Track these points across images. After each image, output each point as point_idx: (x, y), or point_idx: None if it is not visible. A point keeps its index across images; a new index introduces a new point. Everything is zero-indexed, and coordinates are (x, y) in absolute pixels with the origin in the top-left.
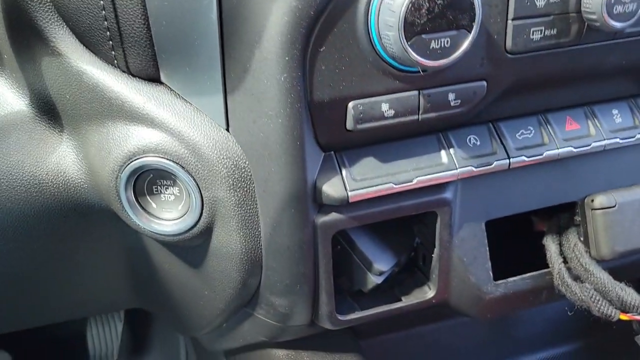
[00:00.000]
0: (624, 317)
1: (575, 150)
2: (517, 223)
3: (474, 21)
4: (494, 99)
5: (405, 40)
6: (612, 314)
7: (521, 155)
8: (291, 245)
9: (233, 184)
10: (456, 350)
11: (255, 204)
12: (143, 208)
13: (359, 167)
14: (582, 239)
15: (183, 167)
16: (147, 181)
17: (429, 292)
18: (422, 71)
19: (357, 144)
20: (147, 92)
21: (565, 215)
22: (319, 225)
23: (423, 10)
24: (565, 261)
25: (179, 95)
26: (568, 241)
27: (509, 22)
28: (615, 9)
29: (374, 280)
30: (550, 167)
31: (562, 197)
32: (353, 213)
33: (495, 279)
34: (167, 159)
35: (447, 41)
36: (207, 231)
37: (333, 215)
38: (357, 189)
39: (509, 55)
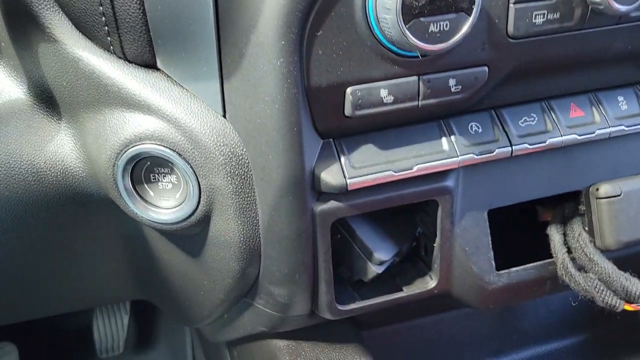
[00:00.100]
0: (628, 307)
1: (579, 137)
2: (521, 213)
3: (473, 4)
4: (495, 85)
5: (403, 24)
6: (617, 304)
7: (524, 143)
8: (290, 233)
9: (230, 172)
10: (459, 342)
11: (253, 192)
12: (140, 196)
13: (358, 154)
14: (586, 228)
15: (180, 155)
16: (144, 169)
17: (430, 282)
18: (422, 56)
19: (356, 131)
20: (144, 79)
21: (569, 205)
22: (318, 214)
23: None
24: (569, 251)
25: (175, 81)
26: (572, 231)
27: (511, 5)
28: None
29: (374, 269)
30: (554, 155)
31: (566, 186)
32: (352, 201)
33: (499, 269)
34: (164, 146)
35: (447, 24)
36: (205, 219)
37: (332, 203)
38: (356, 177)
39: (511, 40)
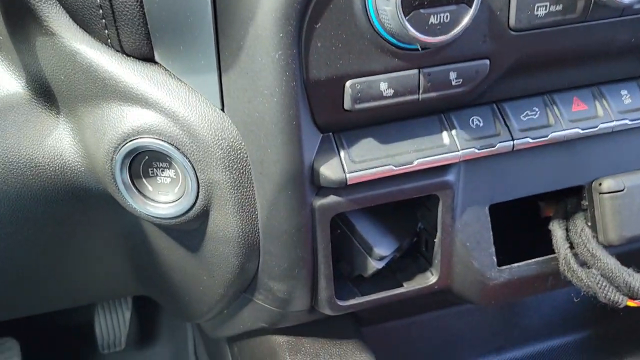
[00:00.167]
0: (631, 303)
1: (582, 131)
2: (524, 209)
3: None
4: (497, 79)
5: (402, 15)
6: (619, 301)
7: (526, 137)
8: (289, 228)
9: (229, 166)
10: (460, 338)
11: (252, 187)
12: (139, 190)
13: (357, 148)
14: (589, 224)
15: (178, 149)
16: (142, 163)
17: (431, 278)
18: (422, 48)
19: (356, 125)
20: (141, 72)
21: (572, 200)
22: (317, 208)
23: None
24: (571, 247)
25: (173, 74)
26: (575, 226)
27: None
28: None
29: (374, 265)
30: (556, 149)
31: (568, 181)
32: (352, 196)
33: (501, 265)
34: (162, 140)
35: (447, 16)
36: (204, 214)
37: (331, 198)
38: (356, 171)
39: (513, 33)
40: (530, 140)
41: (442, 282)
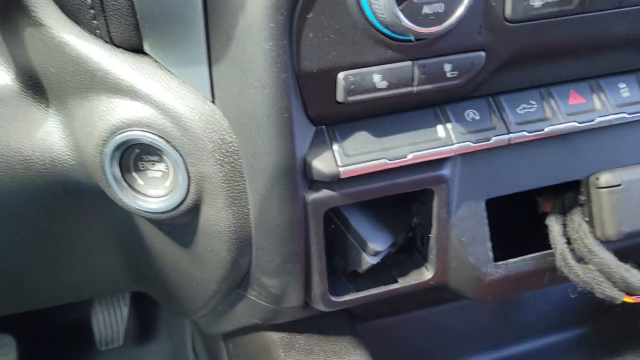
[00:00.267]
0: (628, 299)
1: (579, 125)
2: (521, 204)
3: None
4: (493, 71)
5: (395, 5)
6: (616, 296)
7: (522, 131)
8: (281, 223)
9: (220, 159)
10: (456, 335)
11: (243, 180)
12: (129, 185)
13: (351, 141)
14: (586, 219)
15: (168, 142)
16: (133, 157)
17: (426, 274)
18: (416, 39)
19: (350, 118)
20: (131, 63)
21: (569, 195)
22: (310, 203)
23: None
24: (568, 242)
25: (163, 66)
26: (572, 221)
27: None
28: None
29: (368, 260)
30: (553, 143)
31: (565, 175)
32: (345, 190)
33: (498, 260)
34: (152, 133)
35: (441, 6)
36: (195, 208)
37: (324, 192)
38: (349, 165)
39: (509, 24)
40: (527, 134)
41: (438, 277)
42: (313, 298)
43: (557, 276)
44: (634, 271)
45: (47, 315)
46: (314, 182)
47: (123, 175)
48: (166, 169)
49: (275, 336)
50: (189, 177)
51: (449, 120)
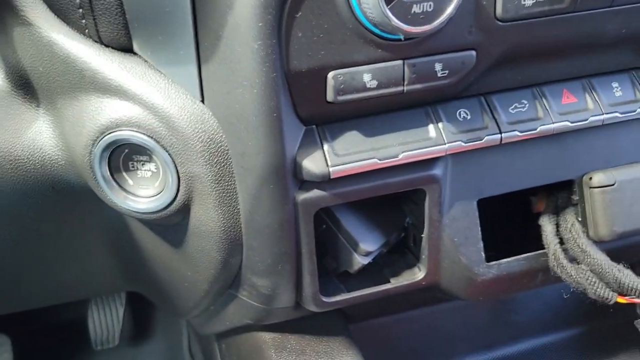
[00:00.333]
0: (621, 300)
1: (571, 124)
2: (514, 204)
3: None
4: (484, 70)
5: (384, 4)
6: (609, 297)
7: (514, 130)
8: (271, 223)
9: (209, 159)
10: (450, 335)
11: (233, 180)
12: (119, 185)
13: (341, 141)
14: (579, 219)
15: (157, 142)
16: (122, 157)
17: (418, 274)
18: (406, 39)
19: (340, 118)
20: (120, 63)
21: (562, 195)
22: (300, 203)
23: None
24: (561, 242)
25: (152, 65)
26: (565, 221)
27: None
28: None
29: (360, 260)
30: (546, 142)
31: (558, 175)
32: (335, 190)
33: (491, 261)
34: (141, 133)
35: (430, 5)
36: (185, 208)
37: (315, 192)
38: (339, 165)
39: (500, 23)
40: (519, 134)
41: (430, 278)
42: (304, 298)
43: (550, 276)
44: (627, 271)
45: (42, 315)
46: (304, 182)
47: (113, 175)
48: (156, 169)
49: (267, 336)
50: (178, 177)
51: (440, 120)
